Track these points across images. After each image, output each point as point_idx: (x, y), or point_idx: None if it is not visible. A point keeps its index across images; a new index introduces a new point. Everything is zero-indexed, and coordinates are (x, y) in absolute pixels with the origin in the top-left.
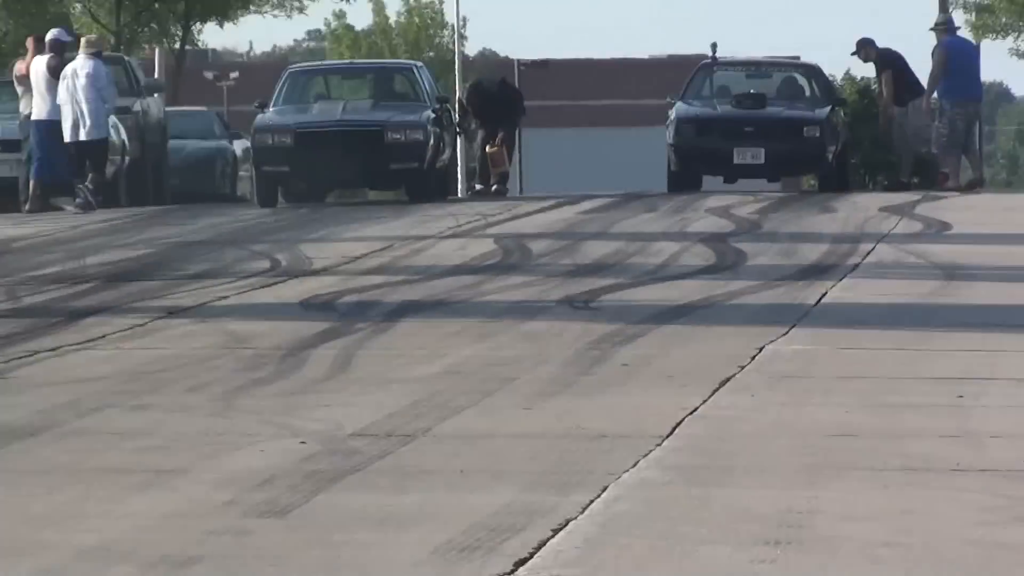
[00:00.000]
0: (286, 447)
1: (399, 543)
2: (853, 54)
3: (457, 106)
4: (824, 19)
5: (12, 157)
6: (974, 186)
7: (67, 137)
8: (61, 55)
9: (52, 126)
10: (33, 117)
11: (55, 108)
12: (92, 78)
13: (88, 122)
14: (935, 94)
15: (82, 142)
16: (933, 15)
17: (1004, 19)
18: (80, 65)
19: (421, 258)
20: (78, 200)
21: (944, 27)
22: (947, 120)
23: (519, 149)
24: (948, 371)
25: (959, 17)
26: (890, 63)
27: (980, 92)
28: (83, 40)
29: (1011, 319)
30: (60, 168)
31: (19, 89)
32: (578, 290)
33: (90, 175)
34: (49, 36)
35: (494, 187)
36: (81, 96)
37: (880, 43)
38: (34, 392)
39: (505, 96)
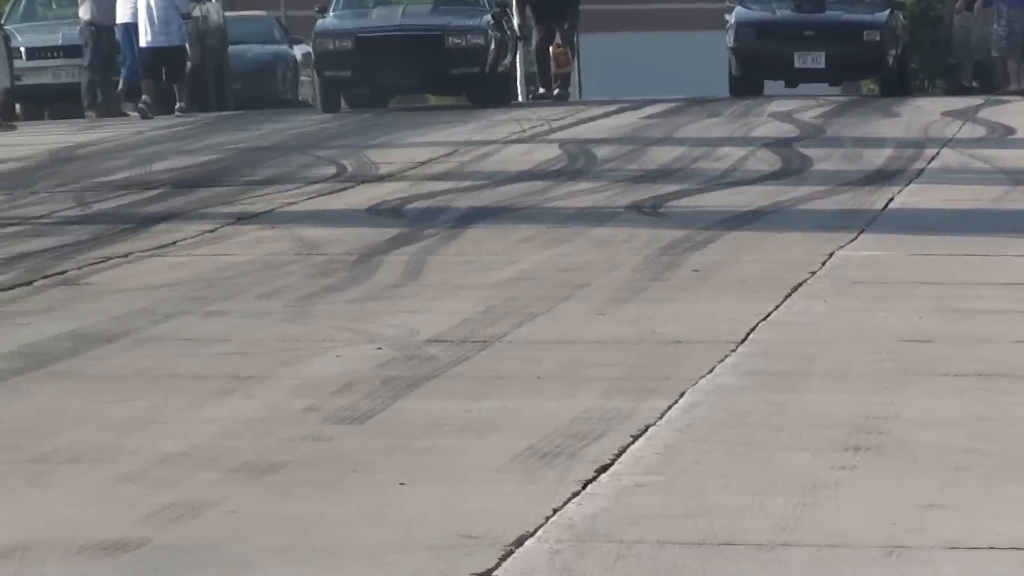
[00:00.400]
0: (362, 353)
1: (480, 449)
2: None
3: (516, 8)
4: None
5: (74, 63)
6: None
7: (141, 42)
8: None
9: (136, 29)
10: (119, 21)
11: (135, 12)
12: None
13: (161, 28)
14: None
15: (158, 48)
16: None
17: None
18: None
19: (487, 163)
20: (141, 105)
21: None
22: (1005, 22)
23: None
24: (1019, 276)
25: None
26: None
27: None
28: None
29: None
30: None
31: None
32: (645, 196)
33: (177, 93)
34: None
35: (556, 91)
36: (153, 2)
37: None
38: (108, 298)
39: None
